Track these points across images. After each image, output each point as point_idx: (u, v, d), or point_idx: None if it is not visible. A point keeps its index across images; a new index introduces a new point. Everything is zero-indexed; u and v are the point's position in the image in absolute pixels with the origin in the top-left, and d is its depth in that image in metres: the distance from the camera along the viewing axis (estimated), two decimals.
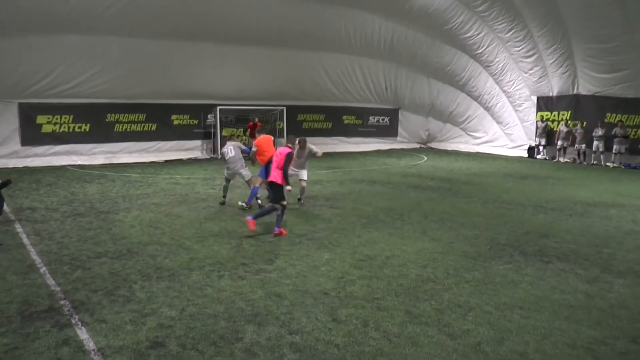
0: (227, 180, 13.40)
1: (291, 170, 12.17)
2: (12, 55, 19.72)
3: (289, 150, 10.30)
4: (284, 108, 27.08)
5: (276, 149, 11.13)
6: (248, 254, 8.60)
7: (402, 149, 30.90)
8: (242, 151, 13.39)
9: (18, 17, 18.48)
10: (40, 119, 21.81)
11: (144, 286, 7.06)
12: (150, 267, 7.88)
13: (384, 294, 6.79)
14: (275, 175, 10.00)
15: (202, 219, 11.37)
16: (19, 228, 10.56)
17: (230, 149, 13.13)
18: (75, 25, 20.11)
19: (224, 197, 13.28)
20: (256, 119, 24.11)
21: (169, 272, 7.63)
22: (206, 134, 25.88)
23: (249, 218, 9.82)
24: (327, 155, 26.56)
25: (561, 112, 25.43)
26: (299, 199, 13.45)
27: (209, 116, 25.57)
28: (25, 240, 9.52)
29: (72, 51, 20.95)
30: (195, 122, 25.59)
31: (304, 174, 13.42)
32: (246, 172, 13.18)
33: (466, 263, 8.19)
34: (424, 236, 9.91)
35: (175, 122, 25.11)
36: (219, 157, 13.28)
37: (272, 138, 14.18)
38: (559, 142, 24.86)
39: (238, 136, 13.95)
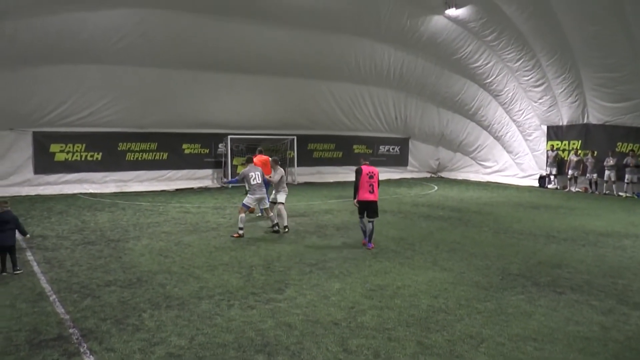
0: (249, 207, 13.38)
1: (261, 193, 12.99)
2: (28, 84, 20.04)
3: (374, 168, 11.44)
4: (295, 137, 27.20)
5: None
6: (258, 283, 8.54)
7: (413, 178, 30.89)
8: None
9: (33, 48, 18.82)
10: (54, 148, 22.04)
11: (153, 315, 7.01)
12: (160, 296, 7.84)
13: (395, 324, 6.70)
14: (372, 194, 11.23)
15: (212, 248, 11.34)
16: (29, 256, 10.59)
17: (258, 175, 13.17)
18: (88, 56, 20.46)
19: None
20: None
21: (178, 301, 7.58)
22: (217, 163, 26.00)
23: (366, 241, 11.43)
24: (337, 184, 26.86)
25: (572, 142, 25.35)
26: (277, 227, 13.19)
27: (220, 145, 25.75)
28: (36, 268, 9.53)
29: (84, 81, 21.25)
30: (206, 151, 25.75)
31: (282, 197, 13.55)
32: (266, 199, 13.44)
33: (478, 293, 8.09)
34: (435, 266, 9.82)
35: (187, 151, 25.27)
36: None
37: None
38: (570, 172, 24.71)
39: (276, 161, 13.85)
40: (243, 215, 12.75)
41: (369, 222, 11.40)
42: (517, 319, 6.90)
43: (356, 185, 11.37)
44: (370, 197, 11.35)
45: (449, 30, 25.25)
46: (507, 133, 28.22)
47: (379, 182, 11.56)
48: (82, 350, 5.85)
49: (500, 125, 28.33)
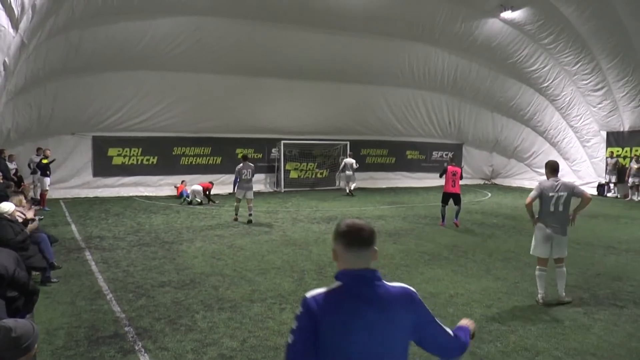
0: (239, 200, 16.05)
1: (247, 187, 15.95)
2: (89, 91, 20.75)
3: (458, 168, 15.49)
4: (348, 142, 27.21)
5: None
6: (310, 287, 8.48)
7: (466, 185, 30.29)
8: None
9: (96, 56, 19.45)
10: (111, 152, 22.75)
11: (206, 316, 7.11)
12: (213, 298, 7.95)
13: None
14: (454, 188, 15.18)
15: (264, 252, 11.44)
16: (88, 255, 10.92)
17: (249, 172, 15.94)
18: (146, 63, 21.01)
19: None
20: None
21: (230, 303, 7.67)
22: (270, 168, 26.25)
23: (443, 224, 15.32)
24: (390, 190, 26.73)
25: (634, 148, 24.45)
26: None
27: (273, 150, 26.01)
28: (94, 268, 9.82)
29: (142, 87, 21.85)
30: (260, 155, 26.01)
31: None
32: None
33: (533, 304, 7.88)
34: (488, 275, 9.63)
35: (240, 156, 25.54)
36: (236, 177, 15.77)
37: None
38: (631, 180, 23.80)
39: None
40: (237, 204, 16.15)
41: (455, 205, 15.24)
42: (575, 333, 6.68)
43: (440, 176, 15.80)
44: (452, 190, 15.18)
45: (504, 34, 24.73)
46: (563, 139, 27.42)
47: (460, 178, 15.36)
48: (137, 348, 6.00)
49: (557, 131, 27.54)
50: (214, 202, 20.49)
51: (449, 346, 2.68)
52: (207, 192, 20.72)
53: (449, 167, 15.27)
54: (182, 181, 21.99)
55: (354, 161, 24.55)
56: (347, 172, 24.44)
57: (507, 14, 23.23)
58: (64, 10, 14.07)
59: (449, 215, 15.56)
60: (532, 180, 29.45)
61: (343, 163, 24.86)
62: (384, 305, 2.47)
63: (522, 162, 30.61)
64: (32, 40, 11.28)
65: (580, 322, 7.06)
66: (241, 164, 16.01)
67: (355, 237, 2.52)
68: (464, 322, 2.98)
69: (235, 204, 16.29)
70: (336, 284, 2.54)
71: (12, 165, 18.44)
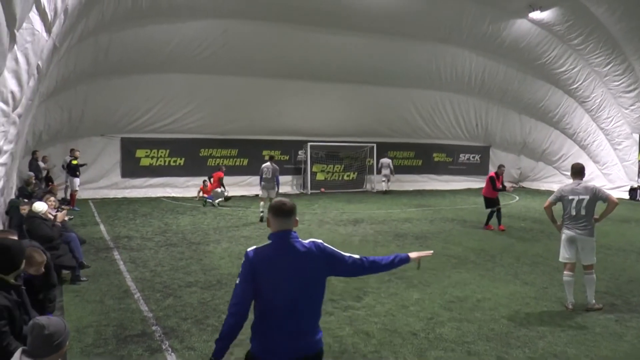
0: (264, 199, 16.51)
1: (268, 186, 16.47)
2: (118, 93, 21.01)
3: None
4: (374, 145, 27.16)
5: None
6: (337, 290, 8.53)
7: None
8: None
9: (125, 59, 19.66)
10: (139, 153, 23.01)
11: None
12: None
13: (474, 338, 6.52)
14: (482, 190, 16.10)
15: None
16: (116, 255, 11.05)
17: (269, 171, 16.42)
18: (173, 66, 21.19)
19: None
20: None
21: None
22: (296, 170, 26.31)
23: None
24: (417, 192, 26.57)
25: None
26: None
27: (300, 152, 26.05)
28: (122, 267, 9.93)
29: (169, 89, 22.03)
30: (286, 157, 26.06)
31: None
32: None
33: (561, 310, 7.74)
34: (516, 279, 9.50)
35: (267, 158, 25.64)
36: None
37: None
38: None
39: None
40: (262, 202, 16.55)
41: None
42: (606, 340, 6.53)
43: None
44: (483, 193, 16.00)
45: (533, 34, 24.36)
46: (593, 142, 26.92)
47: (487, 184, 15.65)
48: (164, 347, 6.05)
49: (587, 133, 27.05)
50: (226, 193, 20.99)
51: (360, 272, 3.89)
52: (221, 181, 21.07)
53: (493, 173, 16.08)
54: (204, 180, 22.00)
55: (390, 161, 26.08)
56: (384, 172, 25.78)
57: (536, 15, 22.87)
58: (94, 14, 14.27)
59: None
60: (561, 183, 28.89)
61: (380, 163, 26.05)
62: (298, 253, 3.57)
63: (550, 165, 30.11)
64: (64, 43, 11.45)
65: (611, 330, 6.91)
66: (264, 164, 16.88)
67: (280, 210, 3.67)
68: (412, 254, 4.06)
69: (261, 202, 16.65)
70: (268, 242, 3.64)
71: (45, 166, 18.83)
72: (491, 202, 15.58)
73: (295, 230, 3.71)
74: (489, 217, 15.60)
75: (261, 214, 16.41)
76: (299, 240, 3.65)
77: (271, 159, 17.16)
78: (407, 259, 4.00)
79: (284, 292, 3.50)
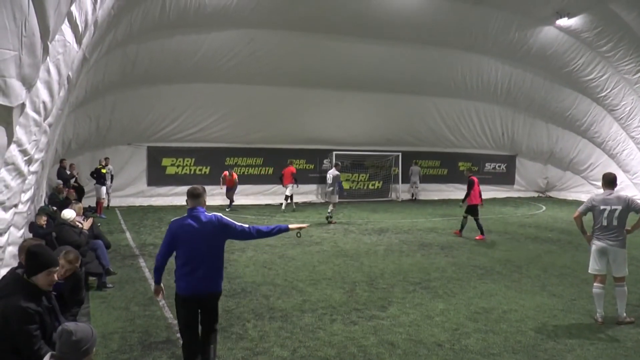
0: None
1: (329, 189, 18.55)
2: (145, 103, 21.33)
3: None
4: (400, 154, 27.09)
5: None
6: (361, 299, 8.53)
7: (519, 198, 29.68)
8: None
9: (152, 69, 19.91)
10: (165, 162, 23.28)
11: (257, 325, 7.18)
12: (264, 307, 8.02)
13: (500, 350, 6.46)
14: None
15: (315, 262, 11.48)
16: (142, 262, 11.20)
17: (331, 177, 18.12)
18: (200, 75, 21.41)
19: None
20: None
21: (281, 313, 7.73)
22: (322, 179, 26.28)
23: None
24: (442, 202, 26.39)
25: None
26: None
27: (325, 161, 26.08)
28: (147, 274, 10.05)
29: (196, 99, 22.27)
30: (312, 166, 26.16)
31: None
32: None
33: (591, 323, 7.62)
34: (543, 291, 9.38)
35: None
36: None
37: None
38: None
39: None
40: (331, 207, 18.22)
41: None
42: (638, 355, 6.41)
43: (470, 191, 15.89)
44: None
45: (560, 42, 24.05)
46: (623, 151, 26.42)
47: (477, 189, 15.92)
48: None
49: (616, 142, 26.57)
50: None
51: (248, 237, 5.62)
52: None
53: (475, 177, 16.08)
54: (225, 173, 22.14)
55: (419, 169, 27.01)
56: (413, 179, 26.68)
57: (563, 22, 22.57)
58: (122, 25, 14.51)
59: (470, 226, 15.70)
60: (589, 193, 28.44)
61: (410, 170, 26.91)
62: (202, 222, 5.30)
63: (578, 175, 29.60)
64: (93, 54, 11.69)
65: None
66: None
67: (192, 193, 5.44)
68: (292, 225, 5.83)
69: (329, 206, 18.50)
70: (185, 215, 5.43)
71: (73, 174, 19.11)
72: (477, 210, 15.63)
73: (204, 207, 5.45)
74: (479, 226, 15.45)
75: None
76: (204, 213, 5.37)
77: (335, 165, 18.73)
78: (286, 229, 5.70)
79: (193, 248, 5.27)
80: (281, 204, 22.07)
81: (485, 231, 15.50)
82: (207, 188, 20.58)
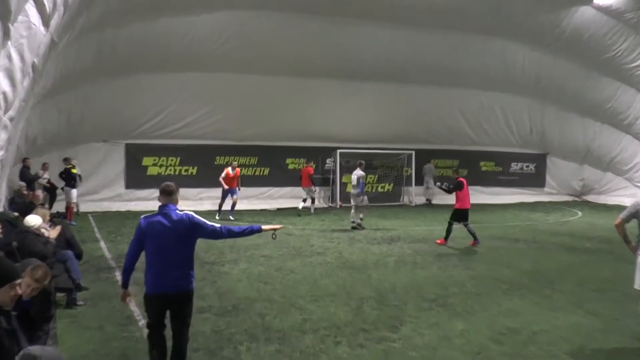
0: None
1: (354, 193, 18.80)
2: (123, 94, 21.26)
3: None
4: (413, 152, 27.00)
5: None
6: (369, 318, 8.47)
7: (551, 202, 29.62)
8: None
9: (133, 56, 19.87)
10: (146, 161, 23.29)
11: (251, 348, 7.12)
12: (258, 327, 7.96)
13: None
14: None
15: (317, 276, 11.43)
16: (118, 276, 11.10)
17: (354, 178, 18.54)
18: (186, 63, 21.39)
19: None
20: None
21: (278, 334, 7.67)
22: (324, 180, 26.25)
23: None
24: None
25: None
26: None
27: (328, 160, 26.03)
28: None
29: (182, 90, 22.24)
30: (312, 167, 26.03)
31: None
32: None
33: (637, 346, 7.54)
34: (579, 309, 9.29)
35: (290, 167, 25.76)
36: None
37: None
38: None
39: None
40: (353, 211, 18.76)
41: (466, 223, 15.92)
42: None
43: (452, 191, 16.72)
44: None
45: (599, 24, 23.89)
46: None
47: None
48: None
49: None
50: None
51: (219, 237, 6.17)
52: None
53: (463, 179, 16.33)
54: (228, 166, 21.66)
55: (432, 167, 27.76)
56: (426, 178, 27.27)
57: (603, 0, 22.52)
58: (98, 5, 14.46)
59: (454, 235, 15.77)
60: (634, 197, 28.30)
61: (424, 169, 27.47)
62: (173, 220, 5.80)
63: (620, 176, 29.53)
64: (63, 38, 11.63)
65: None
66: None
67: (164, 190, 6.02)
68: (265, 226, 6.29)
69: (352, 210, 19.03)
70: (155, 212, 5.93)
71: (45, 175, 19.00)
72: (467, 215, 16.05)
73: (176, 205, 6.02)
74: (471, 232, 15.77)
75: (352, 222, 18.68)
76: (175, 211, 5.88)
77: (359, 165, 19.10)
78: (259, 230, 6.18)
79: (163, 246, 5.72)
80: (305, 207, 22.88)
81: (510, 240, 15.43)
82: (195, 192, 20.74)
